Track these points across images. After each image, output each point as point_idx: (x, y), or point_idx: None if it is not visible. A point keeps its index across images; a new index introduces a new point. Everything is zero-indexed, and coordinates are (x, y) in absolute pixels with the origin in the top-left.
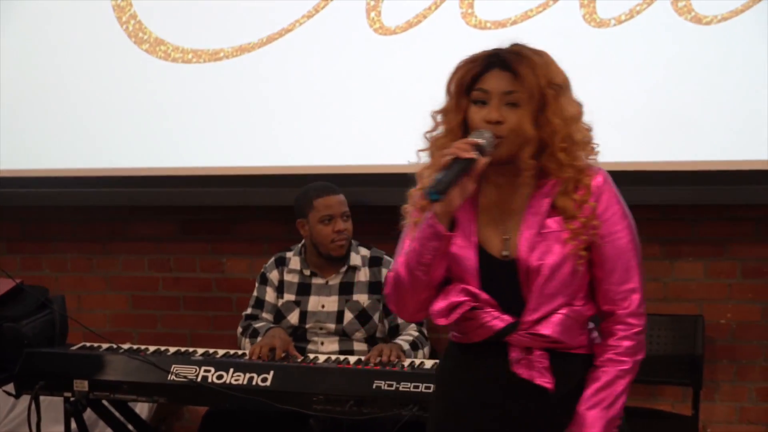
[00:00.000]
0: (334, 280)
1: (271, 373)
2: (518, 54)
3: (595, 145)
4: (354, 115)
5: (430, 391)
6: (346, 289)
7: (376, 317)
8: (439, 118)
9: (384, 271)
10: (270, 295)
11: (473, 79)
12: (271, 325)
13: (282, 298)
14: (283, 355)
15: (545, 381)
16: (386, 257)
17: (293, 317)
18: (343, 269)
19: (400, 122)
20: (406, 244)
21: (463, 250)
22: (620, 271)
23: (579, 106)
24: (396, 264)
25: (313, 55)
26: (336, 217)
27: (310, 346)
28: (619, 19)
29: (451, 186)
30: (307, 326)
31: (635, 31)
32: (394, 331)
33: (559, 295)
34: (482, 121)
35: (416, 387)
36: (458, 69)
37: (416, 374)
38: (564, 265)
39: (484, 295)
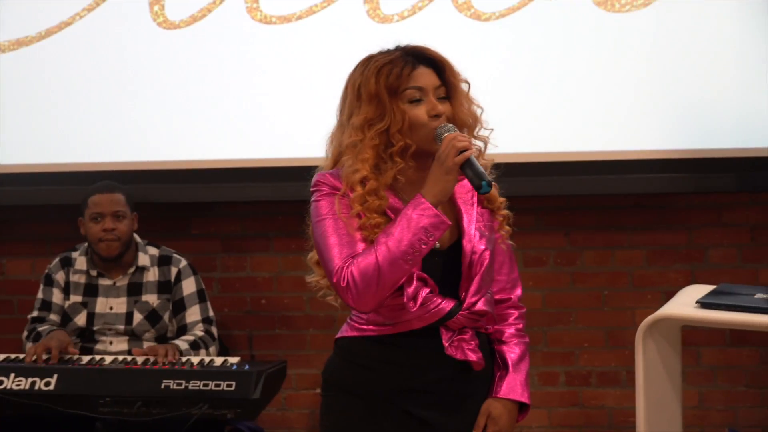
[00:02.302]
0: (122, 281)
1: (55, 376)
2: (431, 51)
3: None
4: (139, 110)
5: (221, 389)
6: (134, 290)
7: (166, 317)
8: (356, 122)
9: (174, 270)
10: (57, 296)
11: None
12: (54, 328)
13: (68, 299)
14: (60, 356)
15: (477, 359)
16: (175, 256)
17: (80, 319)
18: (131, 270)
19: (186, 117)
20: (358, 236)
21: None
22: (509, 261)
23: None
24: (364, 259)
25: (94, 48)
26: (105, 215)
27: (98, 346)
28: (402, 15)
29: None
30: (95, 328)
31: (417, 26)
32: (183, 331)
33: (491, 280)
34: (425, 116)
35: (206, 385)
36: (378, 74)
37: (206, 372)
38: (496, 251)
39: (431, 281)
